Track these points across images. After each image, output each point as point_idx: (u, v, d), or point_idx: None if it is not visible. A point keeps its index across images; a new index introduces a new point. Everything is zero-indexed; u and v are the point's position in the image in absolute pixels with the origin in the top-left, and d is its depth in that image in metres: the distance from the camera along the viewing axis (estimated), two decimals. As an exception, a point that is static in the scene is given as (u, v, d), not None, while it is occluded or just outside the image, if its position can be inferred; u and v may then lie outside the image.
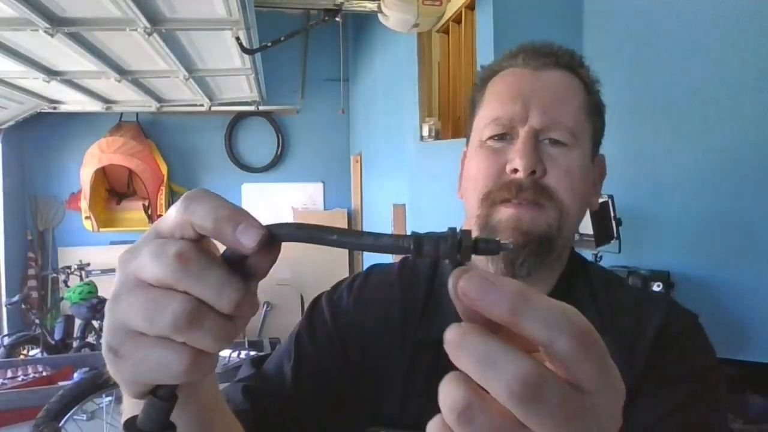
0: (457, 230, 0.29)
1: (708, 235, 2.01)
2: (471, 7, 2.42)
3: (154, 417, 0.31)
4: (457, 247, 0.28)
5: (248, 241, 0.29)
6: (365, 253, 3.85)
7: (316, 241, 0.30)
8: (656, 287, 2.03)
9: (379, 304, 0.68)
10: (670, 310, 0.60)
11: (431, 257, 0.29)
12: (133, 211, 4.78)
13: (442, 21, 2.67)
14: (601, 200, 2.03)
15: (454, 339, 0.25)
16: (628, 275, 2.03)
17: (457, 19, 2.61)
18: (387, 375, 0.64)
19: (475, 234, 0.61)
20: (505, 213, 0.58)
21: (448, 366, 0.68)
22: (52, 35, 2.05)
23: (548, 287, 0.62)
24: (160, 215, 5.05)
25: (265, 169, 5.08)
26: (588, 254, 2.23)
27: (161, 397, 0.31)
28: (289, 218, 4.93)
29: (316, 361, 0.64)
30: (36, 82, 2.93)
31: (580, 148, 0.58)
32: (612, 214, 1.89)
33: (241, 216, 0.29)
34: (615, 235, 1.92)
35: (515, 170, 0.56)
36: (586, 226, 2.02)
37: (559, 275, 0.63)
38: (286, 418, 0.59)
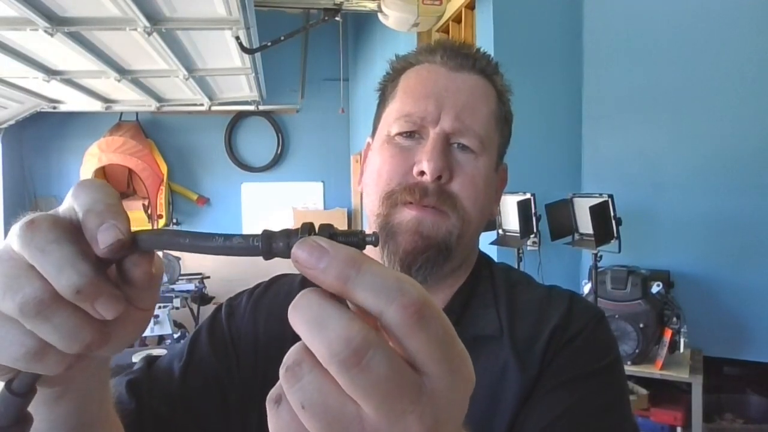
0: (315, 225, 0.26)
1: (708, 235, 2.01)
2: (471, 6, 2.42)
3: (4, 411, 0.29)
4: None
5: (103, 240, 0.26)
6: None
7: (171, 247, 0.28)
8: (656, 287, 2.03)
9: (276, 312, 0.67)
10: (570, 309, 0.58)
11: (284, 255, 0.26)
12: (133, 210, 4.78)
13: (442, 20, 2.67)
14: (601, 200, 2.03)
15: (294, 301, 0.24)
16: (628, 275, 2.03)
17: (457, 19, 2.60)
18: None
19: (372, 235, 0.61)
20: (407, 215, 0.57)
21: None
22: (51, 35, 2.04)
23: (450, 294, 0.61)
24: (160, 215, 5.04)
25: (265, 168, 5.07)
26: (588, 254, 2.23)
27: (13, 391, 0.28)
28: (289, 218, 4.94)
29: (207, 361, 0.63)
30: (36, 81, 2.93)
31: (487, 157, 0.58)
32: (612, 214, 1.90)
33: (111, 216, 0.27)
34: (615, 234, 1.92)
35: (422, 173, 0.55)
36: (586, 225, 2.02)
37: (464, 281, 0.62)
38: (168, 420, 0.58)
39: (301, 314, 0.23)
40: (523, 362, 0.57)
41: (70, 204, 0.28)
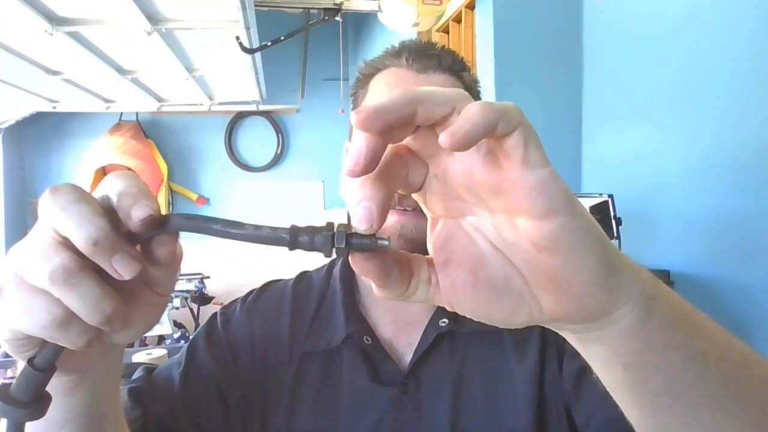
0: (335, 224, 0.30)
1: (708, 234, 2.01)
2: (471, 6, 2.42)
3: (26, 386, 0.30)
4: (331, 240, 0.29)
5: (136, 215, 0.29)
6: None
7: (202, 231, 0.30)
8: (656, 287, 2.02)
9: (270, 317, 0.69)
10: None
11: (306, 249, 0.29)
12: (133, 210, 4.77)
13: (442, 20, 2.67)
14: (601, 200, 2.02)
15: None
16: (628, 275, 2.02)
17: (457, 19, 2.60)
18: (275, 388, 0.65)
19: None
20: (389, 219, 0.58)
21: (334, 377, 0.70)
22: (51, 34, 2.04)
23: None
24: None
25: (265, 168, 5.07)
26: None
27: (36, 366, 0.30)
28: (289, 219, 4.92)
29: (207, 367, 0.64)
30: (36, 81, 2.93)
31: None
32: (612, 214, 1.89)
33: (144, 197, 0.30)
34: (615, 234, 1.92)
35: None
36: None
37: None
38: (171, 426, 0.59)
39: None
40: (521, 355, 0.58)
41: (103, 191, 0.31)
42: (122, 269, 0.29)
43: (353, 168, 0.27)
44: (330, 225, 0.29)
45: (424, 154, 0.30)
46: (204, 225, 0.30)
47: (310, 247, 0.29)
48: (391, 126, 0.26)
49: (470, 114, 0.25)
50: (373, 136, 0.26)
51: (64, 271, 0.28)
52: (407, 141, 0.30)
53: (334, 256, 0.30)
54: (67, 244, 0.28)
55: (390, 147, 0.29)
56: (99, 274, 0.29)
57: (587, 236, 0.27)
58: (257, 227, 0.30)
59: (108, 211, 0.30)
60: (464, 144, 0.25)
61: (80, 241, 0.28)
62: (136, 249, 0.30)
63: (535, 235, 0.27)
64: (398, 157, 0.30)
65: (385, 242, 0.29)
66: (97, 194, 0.31)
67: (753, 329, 1.98)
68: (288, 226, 0.30)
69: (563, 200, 0.26)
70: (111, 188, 0.30)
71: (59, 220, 0.28)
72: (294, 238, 0.29)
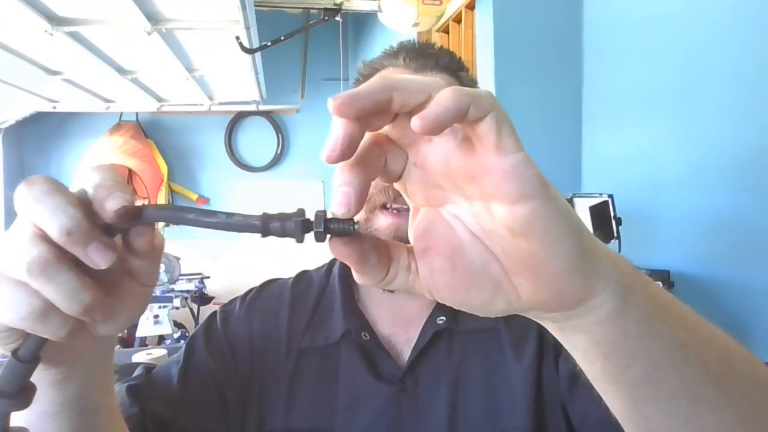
0: (304, 210, 0.30)
1: (708, 234, 2.01)
2: (471, 6, 2.42)
3: (10, 377, 0.31)
4: (301, 226, 0.29)
5: (110, 206, 0.29)
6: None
7: (175, 221, 0.31)
8: (656, 287, 2.02)
9: (268, 315, 0.70)
10: None
11: (278, 235, 0.30)
12: (133, 210, 4.77)
13: (442, 20, 2.67)
14: (601, 200, 2.02)
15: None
16: (628, 275, 2.02)
17: (457, 19, 2.61)
18: (272, 384, 0.65)
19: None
20: (384, 221, 0.60)
21: (332, 373, 0.70)
22: (51, 34, 2.04)
23: None
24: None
25: (265, 168, 5.07)
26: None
27: (19, 358, 0.31)
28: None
29: (205, 364, 0.65)
30: (36, 81, 2.93)
31: None
32: (612, 214, 1.89)
33: (119, 189, 0.30)
34: (615, 234, 1.92)
35: None
36: (586, 225, 2.01)
37: None
38: (170, 423, 0.60)
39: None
40: (519, 353, 0.59)
41: (79, 184, 0.31)
42: (97, 258, 0.29)
43: (330, 154, 0.28)
44: (301, 211, 0.30)
45: (403, 143, 0.30)
46: (177, 215, 0.30)
47: (282, 233, 0.29)
48: (367, 112, 0.27)
49: (441, 99, 0.25)
50: (350, 122, 0.27)
51: (41, 263, 0.28)
52: (386, 129, 0.30)
53: (304, 241, 0.30)
54: (44, 236, 0.28)
55: (369, 135, 0.30)
56: (77, 265, 0.29)
57: (561, 221, 0.27)
58: (229, 215, 0.30)
59: (84, 203, 0.30)
60: (434, 127, 0.25)
61: (54, 231, 0.28)
62: (113, 239, 0.30)
63: (510, 220, 0.27)
64: (377, 144, 0.30)
65: (356, 226, 0.29)
66: (75, 187, 0.31)
67: (752, 329, 1.98)
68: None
69: (537, 184, 0.26)
70: (87, 181, 0.31)
71: (34, 211, 0.28)
72: (265, 224, 0.29)
